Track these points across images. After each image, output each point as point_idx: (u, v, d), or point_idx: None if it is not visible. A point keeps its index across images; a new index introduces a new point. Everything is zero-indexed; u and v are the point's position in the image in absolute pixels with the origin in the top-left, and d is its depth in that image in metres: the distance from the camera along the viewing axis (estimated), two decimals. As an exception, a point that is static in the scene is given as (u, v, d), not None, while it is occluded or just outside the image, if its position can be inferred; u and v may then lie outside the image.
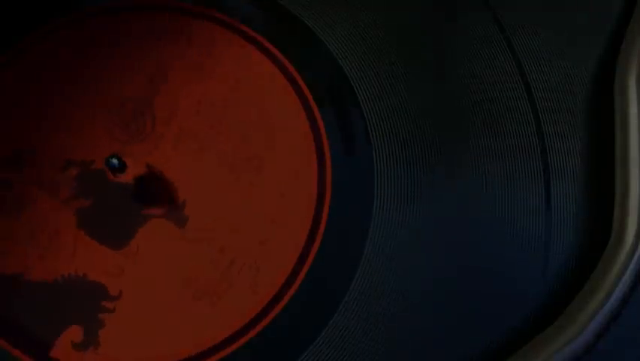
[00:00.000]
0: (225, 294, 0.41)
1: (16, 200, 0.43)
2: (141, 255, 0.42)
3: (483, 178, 0.43)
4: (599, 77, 0.44)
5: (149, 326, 0.41)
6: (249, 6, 0.45)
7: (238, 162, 0.43)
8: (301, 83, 0.44)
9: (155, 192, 0.42)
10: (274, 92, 0.44)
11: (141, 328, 0.41)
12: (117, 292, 0.42)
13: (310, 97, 0.43)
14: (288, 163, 0.43)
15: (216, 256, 0.42)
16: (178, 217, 0.42)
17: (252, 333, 0.41)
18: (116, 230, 0.42)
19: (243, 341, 0.41)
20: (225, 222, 0.42)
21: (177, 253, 0.42)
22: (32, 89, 0.44)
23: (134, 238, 0.42)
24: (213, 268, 0.41)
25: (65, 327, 0.41)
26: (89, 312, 0.41)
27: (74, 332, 0.41)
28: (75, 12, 0.45)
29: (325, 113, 0.43)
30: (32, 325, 0.41)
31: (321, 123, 0.43)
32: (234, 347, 0.41)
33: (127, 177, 0.41)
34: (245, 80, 0.44)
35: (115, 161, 0.40)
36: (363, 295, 0.41)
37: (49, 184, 0.43)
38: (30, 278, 0.42)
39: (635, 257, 0.41)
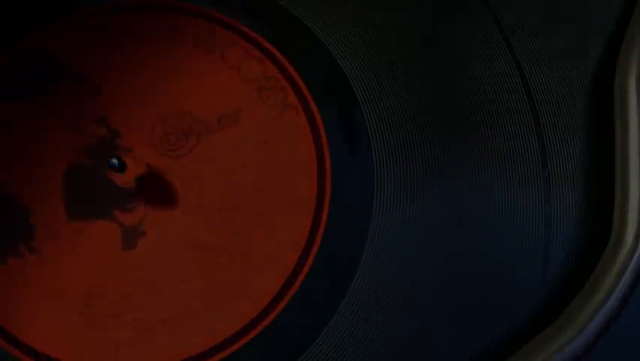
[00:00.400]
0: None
1: (43, 110, 0.43)
2: (77, 238, 0.42)
3: (482, 179, 0.43)
4: (598, 78, 0.44)
5: (36, 295, 0.41)
6: (248, 6, 0.45)
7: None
8: (301, 83, 0.44)
9: (154, 192, 0.42)
10: (273, 92, 0.44)
11: (30, 293, 0.41)
12: (38, 246, 0.42)
13: (310, 97, 0.44)
14: (287, 164, 0.43)
15: (121, 298, 0.42)
16: (130, 239, 0.42)
17: (252, 333, 0.41)
18: (83, 202, 0.43)
19: (243, 341, 0.41)
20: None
21: (102, 263, 0.42)
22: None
23: (86, 222, 0.42)
24: (108, 302, 0.42)
25: None
26: (4, 240, 0.42)
27: None
28: (76, 12, 0.45)
29: (325, 113, 0.43)
30: None
31: (320, 123, 0.43)
32: (234, 347, 0.41)
33: (126, 178, 0.42)
34: (244, 80, 0.44)
35: (115, 161, 0.40)
36: (363, 295, 0.41)
37: (77, 123, 0.43)
38: None
39: (635, 257, 0.41)
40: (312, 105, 0.43)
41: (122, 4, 0.45)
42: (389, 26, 0.45)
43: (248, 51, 0.44)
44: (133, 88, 0.44)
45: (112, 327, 0.41)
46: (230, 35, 0.45)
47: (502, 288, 0.42)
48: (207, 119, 0.43)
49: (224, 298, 0.41)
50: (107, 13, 0.45)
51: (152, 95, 0.44)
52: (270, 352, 0.41)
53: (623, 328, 0.42)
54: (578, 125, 0.44)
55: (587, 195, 0.43)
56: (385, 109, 0.43)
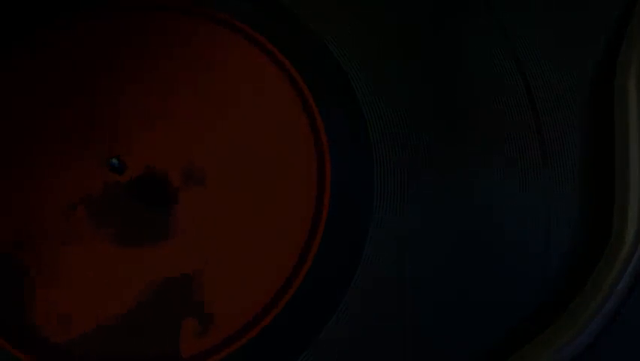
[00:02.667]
0: None
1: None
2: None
3: (482, 178, 0.43)
4: (599, 77, 0.44)
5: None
6: (249, 6, 0.45)
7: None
8: (301, 83, 0.44)
9: (154, 192, 0.43)
10: (274, 92, 0.44)
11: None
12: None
13: (310, 97, 0.44)
14: (288, 163, 0.43)
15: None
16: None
17: (252, 333, 0.41)
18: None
19: (243, 341, 0.41)
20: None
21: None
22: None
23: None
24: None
25: None
26: None
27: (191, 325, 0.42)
28: (75, 12, 0.45)
29: (325, 112, 0.43)
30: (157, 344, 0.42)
31: (320, 123, 0.43)
32: (234, 347, 0.41)
33: (126, 178, 0.42)
34: (245, 80, 0.44)
35: (115, 161, 0.41)
36: (363, 294, 0.41)
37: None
38: None
39: (635, 257, 0.41)
40: (313, 105, 0.43)
41: (121, 4, 0.45)
42: (389, 25, 0.45)
43: (248, 51, 0.44)
44: (134, 88, 0.44)
45: (111, 325, 0.41)
46: (230, 35, 0.45)
47: (501, 288, 0.42)
48: (206, 119, 0.43)
49: (224, 298, 0.41)
50: (107, 13, 0.45)
51: (151, 95, 0.44)
52: (270, 352, 0.41)
53: (623, 328, 0.42)
54: (578, 125, 0.44)
55: (587, 195, 0.43)
56: (385, 108, 0.44)
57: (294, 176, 0.43)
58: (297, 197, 0.42)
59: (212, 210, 0.42)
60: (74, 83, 0.44)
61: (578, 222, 0.42)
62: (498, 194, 0.43)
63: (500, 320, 0.42)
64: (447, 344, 0.41)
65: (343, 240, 0.42)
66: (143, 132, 0.43)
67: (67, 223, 0.42)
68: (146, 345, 0.41)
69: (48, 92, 0.44)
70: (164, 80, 0.44)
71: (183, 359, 0.41)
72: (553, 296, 0.42)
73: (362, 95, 0.44)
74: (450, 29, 0.45)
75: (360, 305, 0.41)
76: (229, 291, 0.41)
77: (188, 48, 0.45)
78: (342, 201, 0.42)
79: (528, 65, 0.44)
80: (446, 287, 0.42)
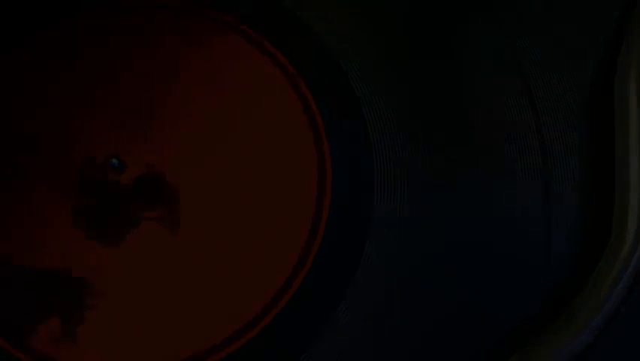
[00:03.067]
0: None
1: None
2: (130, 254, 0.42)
3: (482, 178, 0.43)
4: (599, 77, 0.44)
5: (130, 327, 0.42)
6: (249, 6, 0.45)
7: (238, 162, 0.43)
8: (301, 83, 0.44)
9: (154, 192, 0.43)
10: (274, 92, 0.44)
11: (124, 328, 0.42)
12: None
13: (310, 97, 0.44)
14: (288, 163, 0.43)
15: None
16: (172, 221, 0.42)
17: (252, 333, 0.41)
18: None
19: (243, 341, 0.41)
20: (221, 225, 0.42)
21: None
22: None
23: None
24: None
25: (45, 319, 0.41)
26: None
27: (53, 325, 0.41)
28: (75, 12, 0.45)
29: (325, 112, 0.43)
30: (11, 311, 0.41)
31: (321, 123, 0.43)
32: (234, 347, 0.41)
33: (126, 178, 0.42)
34: (245, 80, 0.44)
35: (115, 161, 0.41)
36: (363, 295, 0.41)
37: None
38: None
39: (635, 257, 0.41)
40: (313, 105, 0.43)
41: (122, 4, 0.45)
42: (390, 26, 0.45)
43: (249, 52, 0.44)
44: (134, 88, 0.44)
45: (112, 325, 0.41)
46: (231, 36, 0.45)
47: (501, 288, 0.42)
48: (206, 119, 0.43)
49: (224, 298, 0.41)
50: (108, 13, 0.45)
51: (152, 95, 0.44)
52: (269, 352, 0.41)
53: (623, 328, 0.42)
54: (578, 125, 0.44)
55: (587, 195, 0.43)
56: (386, 108, 0.44)
57: (294, 176, 0.43)
58: (297, 197, 0.42)
59: (212, 210, 0.42)
60: (74, 84, 0.44)
61: (578, 222, 0.42)
62: (498, 194, 0.43)
63: (500, 319, 0.41)
64: (447, 343, 0.41)
65: (343, 240, 0.42)
66: (143, 132, 0.43)
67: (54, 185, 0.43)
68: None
69: (48, 93, 0.44)
70: (165, 80, 0.44)
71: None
72: (553, 296, 0.42)
73: (362, 95, 0.44)
74: (450, 30, 0.45)
75: (360, 305, 0.41)
76: (229, 291, 0.41)
77: (189, 48, 0.45)
78: (343, 201, 0.42)
79: (528, 65, 0.44)
80: (446, 287, 0.42)
